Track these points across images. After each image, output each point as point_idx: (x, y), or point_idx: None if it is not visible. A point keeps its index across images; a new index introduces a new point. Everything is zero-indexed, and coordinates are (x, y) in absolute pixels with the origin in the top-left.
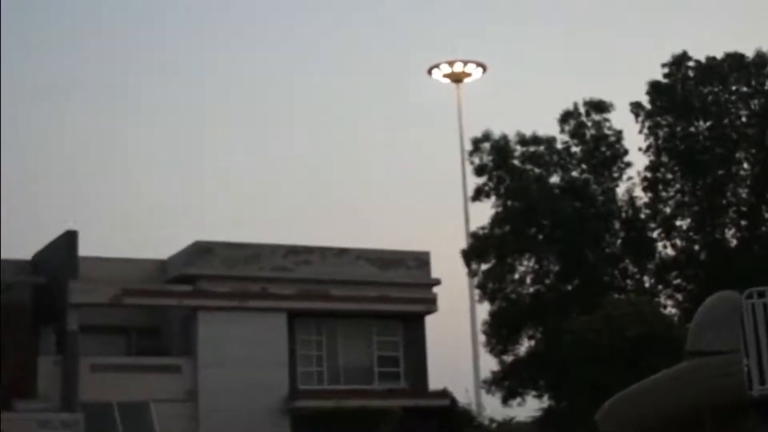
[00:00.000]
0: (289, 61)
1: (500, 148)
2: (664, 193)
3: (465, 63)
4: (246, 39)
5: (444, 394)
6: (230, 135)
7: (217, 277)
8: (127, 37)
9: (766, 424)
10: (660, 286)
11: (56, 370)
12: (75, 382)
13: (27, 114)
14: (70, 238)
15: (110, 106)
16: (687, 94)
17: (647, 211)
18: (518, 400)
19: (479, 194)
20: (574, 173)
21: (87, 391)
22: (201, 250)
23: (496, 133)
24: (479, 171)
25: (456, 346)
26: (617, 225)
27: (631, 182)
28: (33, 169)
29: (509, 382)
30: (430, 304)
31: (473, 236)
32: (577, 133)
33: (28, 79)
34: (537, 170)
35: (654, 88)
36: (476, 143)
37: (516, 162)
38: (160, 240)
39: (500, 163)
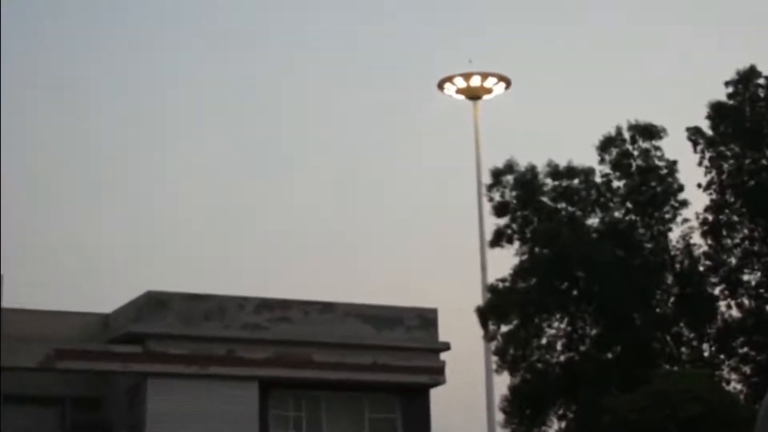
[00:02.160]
0: (270, 85)
1: (526, 182)
2: (728, 240)
3: (484, 76)
4: (217, 67)
5: None
6: (193, 164)
7: (173, 336)
8: (74, 82)
9: None
10: (722, 356)
11: None
12: None
13: None
14: None
15: (50, 141)
16: (757, 117)
17: (707, 262)
18: None
19: (499, 238)
20: (617, 214)
21: None
22: (153, 303)
23: (522, 163)
24: (500, 210)
25: (468, 427)
26: (670, 279)
27: (687, 226)
28: None
29: None
30: (437, 374)
31: (491, 290)
32: (620, 165)
33: None
34: (571, 210)
35: (716, 110)
36: (497, 175)
37: (545, 199)
38: (103, 291)
39: (526, 201)
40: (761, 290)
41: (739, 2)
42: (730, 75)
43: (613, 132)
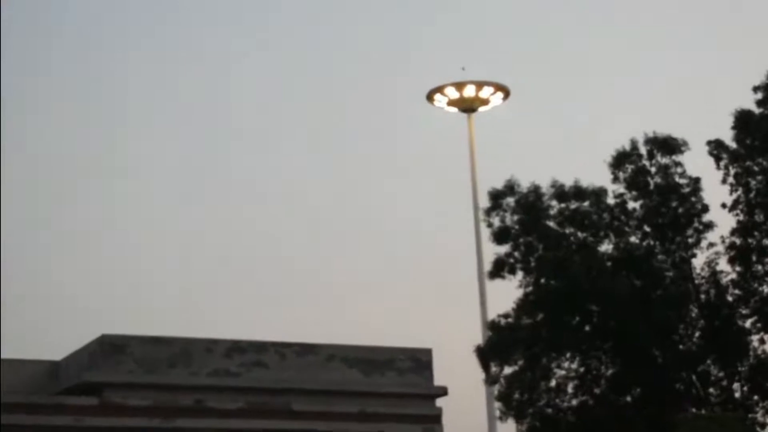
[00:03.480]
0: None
1: (529, 205)
2: (759, 267)
3: (479, 86)
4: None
5: None
6: (159, 194)
7: (132, 385)
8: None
9: None
10: (756, 397)
11: None
12: None
13: None
14: None
15: None
16: None
17: (736, 292)
18: None
19: (500, 268)
20: (633, 239)
21: None
22: (109, 347)
23: (524, 184)
24: (500, 236)
25: None
26: (695, 311)
27: (713, 251)
28: None
29: None
30: (433, 422)
31: (492, 327)
32: (636, 183)
33: None
34: (581, 235)
35: (742, 120)
36: (495, 197)
37: (551, 224)
38: (52, 335)
39: (530, 226)
40: None
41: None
42: (759, 79)
43: (627, 146)
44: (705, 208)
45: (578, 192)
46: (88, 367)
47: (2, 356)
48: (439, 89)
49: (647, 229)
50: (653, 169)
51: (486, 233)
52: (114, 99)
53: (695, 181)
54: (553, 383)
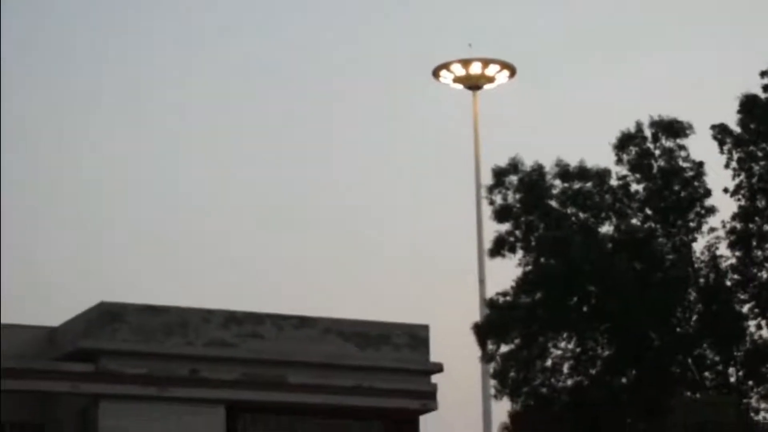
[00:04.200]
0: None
1: (532, 184)
2: (759, 252)
3: (485, 63)
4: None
5: None
6: (157, 164)
7: (129, 353)
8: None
9: None
10: (751, 382)
11: None
12: None
13: None
14: None
15: None
16: None
17: (735, 277)
18: None
19: (500, 247)
20: (635, 221)
21: None
22: (107, 315)
23: (527, 162)
24: (502, 214)
25: None
26: (693, 295)
27: (713, 236)
28: None
29: None
30: (427, 398)
31: (491, 305)
32: (639, 166)
33: None
34: (582, 216)
35: (747, 105)
36: (499, 175)
37: (554, 203)
38: (50, 301)
39: (532, 205)
40: None
41: None
42: (764, 64)
43: (632, 128)
44: (707, 193)
45: (582, 172)
46: (84, 335)
47: (7, 322)
48: (445, 66)
49: (649, 212)
50: (657, 152)
51: (487, 211)
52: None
53: (699, 166)
54: (549, 363)
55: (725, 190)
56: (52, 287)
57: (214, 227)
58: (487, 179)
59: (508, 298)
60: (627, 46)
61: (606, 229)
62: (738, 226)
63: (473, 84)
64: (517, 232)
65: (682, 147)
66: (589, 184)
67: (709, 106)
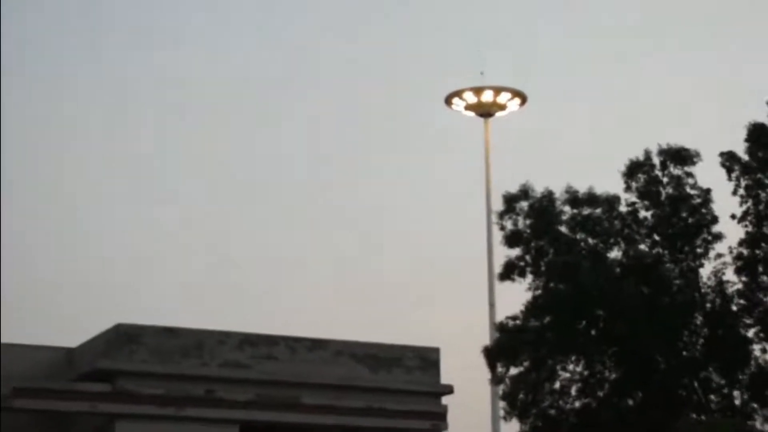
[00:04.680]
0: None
1: (542, 210)
2: (764, 278)
3: (497, 92)
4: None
5: None
6: (165, 180)
7: (145, 374)
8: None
9: None
10: (755, 405)
11: None
12: None
13: None
14: None
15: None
16: None
17: (741, 302)
18: None
19: (510, 271)
20: (643, 247)
21: None
22: (124, 336)
23: (537, 189)
24: (512, 239)
25: None
26: (699, 319)
27: (720, 261)
28: None
29: None
30: (438, 419)
31: (500, 329)
32: (648, 193)
33: None
34: (592, 241)
35: (755, 133)
36: (509, 201)
37: (563, 229)
38: (68, 322)
39: (542, 230)
40: None
41: None
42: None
43: (641, 156)
44: (714, 219)
45: (591, 199)
46: (102, 355)
47: (19, 342)
48: (458, 93)
49: (657, 237)
50: (665, 180)
51: (498, 236)
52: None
53: (706, 192)
54: (557, 385)
55: (732, 217)
56: (69, 309)
57: (219, 229)
58: (498, 205)
59: (517, 321)
60: (636, 75)
61: (614, 254)
62: (745, 252)
63: (485, 111)
64: (527, 257)
65: (689, 174)
66: (598, 211)
67: (716, 133)
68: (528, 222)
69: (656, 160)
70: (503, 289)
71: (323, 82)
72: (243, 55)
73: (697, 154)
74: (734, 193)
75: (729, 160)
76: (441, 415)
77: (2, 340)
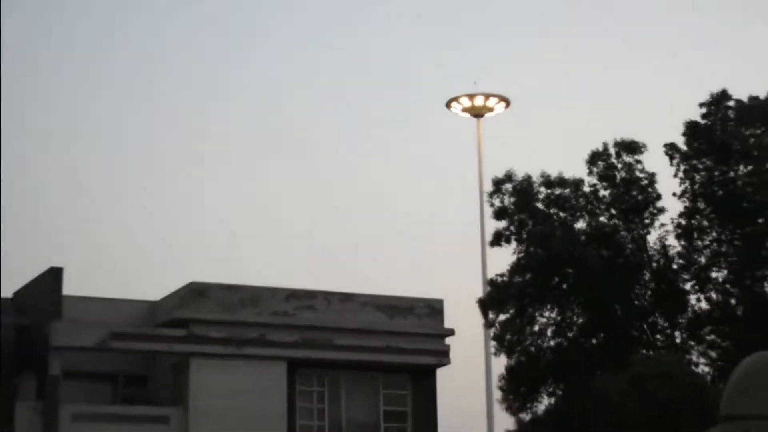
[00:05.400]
0: (293, 90)
1: (523, 190)
2: (699, 242)
3: (486, 97)
4: (246, 66)
5: None
6: (228, 170)
7: (212, 321)
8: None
9: None
10: (692, 343)
11: (36, 418)
12: (55, 430)
13: (12, 147)
14: (54, 276)
15: (96, 142)
16: (726, 135)
17: (680, 261)
18: None
19: (499, 239)
20: (602, 219)
21: None
22: (195, 292)
23: (519, 174)
24: (499, 214)
25: (469, 403)
26: (647, 276)
27: (663, 230)
28: (17, 199)
29: None
30: (442, 356)
31: (491, 284)
32: (606, 176)
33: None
34: (562, 215)
35: (691, 129)
36: (497, 184)
37: (539, 205)
38: (151, 280)
39: (522, 206)
40: (727, 286)
41: (712, 34)
42: (704, 97)
43: (600, 147)
44: (658, 197)
45: (561, 181)
46: (178, 307)
47: (115, 296)
48: (456, 98)
49: (613, 211)
50: (619, 166)
51: (488, 212)
52: None
53: (651, 176)
54: (536, 328)
55: (673, 194)
56: (152, 267)
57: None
58: (488, 187)
59: (504, 278)
60: (595, 82)
61: (580, 225)
62: (683, 222)
63: (477, 113)
64: (512, 228)
65: (638, 161)
66: (567, 191)
67: (659, 129)
68: (512, 200)
69: (612, 151)
70: (493, 253)
71: (344, 83)
72: (263, 55)
73: (644, 145)
74: (675, 176)
75: (671, 149)
76: (444, 353)
77: (100, 295)
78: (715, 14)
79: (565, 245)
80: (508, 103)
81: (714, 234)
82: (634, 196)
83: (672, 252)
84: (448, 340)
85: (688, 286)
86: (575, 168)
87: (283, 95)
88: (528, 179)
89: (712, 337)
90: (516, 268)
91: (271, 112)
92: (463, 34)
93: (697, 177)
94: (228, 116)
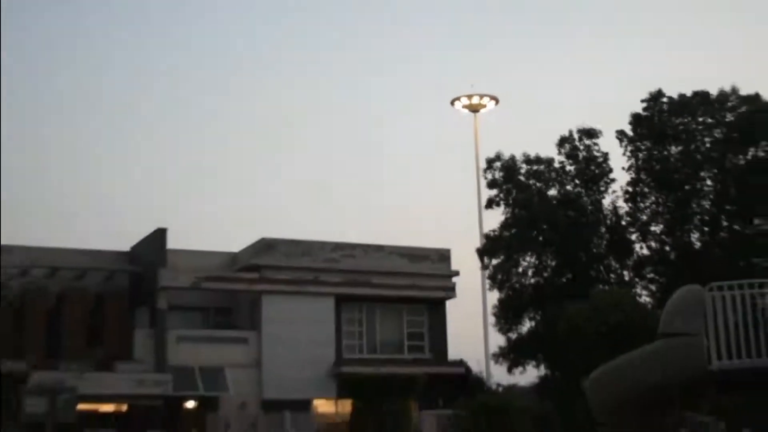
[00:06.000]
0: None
1: (508, 167)
2: (641, 204)
3: (481, 96)
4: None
5: (460, 363)
6: (300, 156)
7: (278, 267)
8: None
9: (723, 393)
10: (637, 279)
11: (149, 341)
12: (164, 349)
13: (122, 124)
14: (160, 234)
15: (202, 121)
16: (662, 124)
17: (627, 219)
18: (520, 369)
19: (491, 204)
20: (569, 188)
21: (174, 357)
22: (265, 245)
23: (506, 155)
24: (491, 185)
25: (470, 325)
26: (603, 230)
27: (614, 195)
28: (129, 173)
29: (513, 355)
30: (450, 291)
31: (486, 238)
32: (571, 155)
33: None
34: (538, 185)
35: (635, 119)
36: (489, 162)
37: (521, 178)
38: (232, 236)
39: (508, 179)
40: (663, 237)
41: (652, 44)
42: (645, 95)
43: (566, 133)
44: (611, 170)
45: (538, 160)
46: (253, 256)
47: (204, 249)
48: (458, 98)
49: (577, 182)
50: (581, 147)
51: (483, 183)
52: None
53: (605, 155)
54: (520, 270)
55: (622, 168)
56: (234, 226)
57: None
58: (483, 165)
59: (496, 233)
60: (562, 83)
61: (552, 192)
62: (629, 189)
63: (474, 109)
64: (501, 195)
65: (596, 144)
66: (542, 166)
67: (612, 119)
68: (500, 174)
69: (576, 136)
70: (487, 214)
71: (385, 85)
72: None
73: (600, 132)
74: (623, 154)
75: (620, 134)
76: (452, 289)
77: (192, 248)
78: (652, 31)
79: (541, 208)
80: (497, 101)
81: (652, 198)
82: (593, 170)
83: (621, 212)
84: (454, 279)
85: (633, 237)
86: (548, 149)
87: (344, 91)
88: (512, 159)
89: (652, 275)
90: (504, 226)
91: (319, 105)
92: (465, 47)
93: (640, 155)
94: (287, 106)
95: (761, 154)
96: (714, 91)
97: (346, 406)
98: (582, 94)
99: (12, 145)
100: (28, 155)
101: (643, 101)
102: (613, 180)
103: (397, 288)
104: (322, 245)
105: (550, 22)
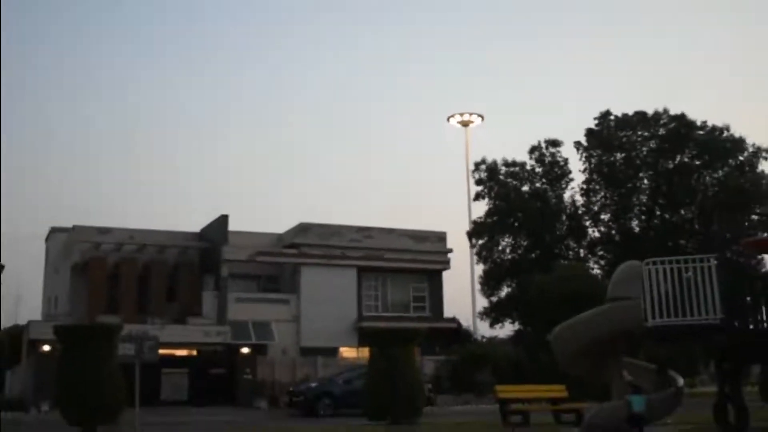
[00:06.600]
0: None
1: (491, 168)
2: (593, 198)
3: (470, 114)
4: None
5: (453, 320)
6: (333, 158)
7: (313, 245)
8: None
9: (657, 344)
10: (590, 256)
11: (214, 301)
12: (225, 308)
13: (189, 123)
14: (223, 219)
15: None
16: (609, 137)
17: (583, 209)
18: (500, 325)
19: (478, 197)
20: (538, 185)
21: (233, 314)
22: (303, 228)
23: (489, 159)
24: (478, 182)
25: (461, 291)
26: (564, 217)
27: (573, 191)
28: (192, 170)
29: (494, 314)
30: (445, 264)
31: (474, 223)
32: (539, 160)
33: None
34: (514, 182)
35: (589, 132)
36: (477, 165)
37: (501, 177)
38: (278, 220)
39: (491, 178)
40: (610, 223)
41: (618, 65)
42: (596, 114)
43: (536, 143)
44: (570, 172)
45: (514, 164)
46: (294, 236)
47: (257, 230)
48: (452, 115)
49: (544, 180)
50: (547, 153)
51: (472, 181)
52: None
53: (566, 160)
54: (500, 248)
55: (579, 170)
56: (279, 213)
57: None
58: (472, 167)
59: (481, 220)
60: (533, 104)
61: (525, 188)
62: (584, 186)
63: (465, 123)
64: (485, 190)
65: (559, 151)
66: (517, 169)
67: (572, 132)
68: (485, 174)
69: (543, 145)
70: (475, 205)
71: (394, 96)
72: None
73: (562, 142)
74: (579, 159)
75: (577, 144)
76: (447, 263)
77: (248, 230)
78: (603, 56)
79: (516, 200)
80: (483, 117)
81: (602, 193)
82: (556, 172)
83: (578, 204)
84: (449, 255)
85: (587, 223)
86: (521, 155)
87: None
88: (494, 162)
89: (602, 252)
90: (488, 214)
91: (333, 113)
92: (454, 68)
93: (592, 160)
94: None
95: (686, 159)
96: (650, 111)
97: (364, 352)
98: (548, 111)
99: (107, 147)
100: (122, 158)
101: (595, 119)
102: (571, 179)
103: (404, 261)
104: (347, 228)
105: (523, 44)
